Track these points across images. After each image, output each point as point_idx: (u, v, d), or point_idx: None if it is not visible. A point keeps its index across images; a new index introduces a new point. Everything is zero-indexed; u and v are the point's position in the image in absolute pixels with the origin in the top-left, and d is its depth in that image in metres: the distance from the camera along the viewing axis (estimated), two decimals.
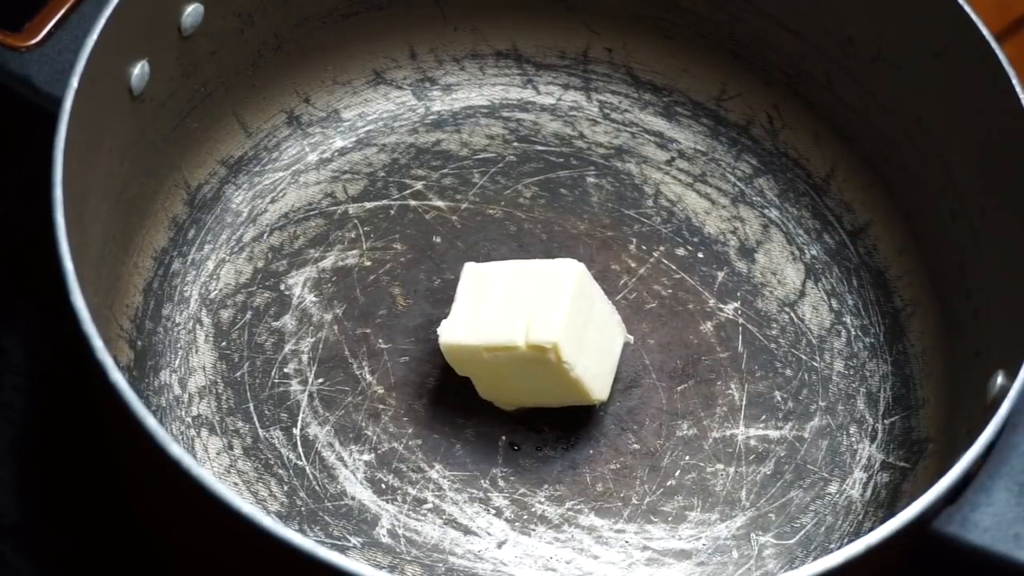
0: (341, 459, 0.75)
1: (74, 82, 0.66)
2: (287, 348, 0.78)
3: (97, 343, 0.60)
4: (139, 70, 0.72)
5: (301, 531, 0.72)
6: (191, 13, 0.74)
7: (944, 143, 0.76)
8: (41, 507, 0.77)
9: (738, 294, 0.81)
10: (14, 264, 0.83)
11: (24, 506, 0.77)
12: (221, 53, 0.78)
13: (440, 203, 0.83)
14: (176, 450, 0.59)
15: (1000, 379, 0.67)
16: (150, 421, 0.59)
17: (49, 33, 0.72)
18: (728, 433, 0.77)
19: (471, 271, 0.75)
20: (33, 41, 0.72)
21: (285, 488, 0.74)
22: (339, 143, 0.85)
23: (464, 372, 0.75)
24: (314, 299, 0.79)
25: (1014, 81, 0.70)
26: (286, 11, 0.81)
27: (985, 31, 0.72)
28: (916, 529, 0.61)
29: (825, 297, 0.82)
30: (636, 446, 0.76)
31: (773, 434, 0.77)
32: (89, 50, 0.67)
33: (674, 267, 0.82)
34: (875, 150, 0.81)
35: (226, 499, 0.58)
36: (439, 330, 0.74)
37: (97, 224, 0.71)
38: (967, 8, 0.72)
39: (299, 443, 0.75)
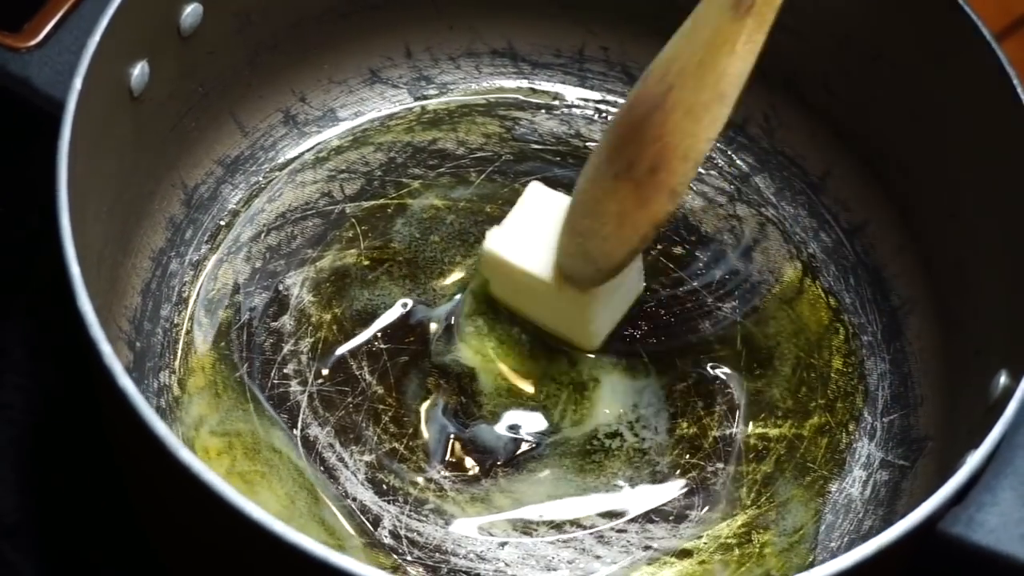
0: (342, 460, 0.75)
1: (77, 83, 0.66)
2: (286, 348, 0.78)
3: (105, 348, 0.60)
4: (139, 71, 0.72)
5: (301, 532, 0.72)
6: (190, 13, 0.74)
7: (942, 142, 0.76)
8: (41, 507, 0.77)
9: (736, 292, 0.81)
10: (14, 264, 0.82)
11: (24, 506, 0.77)
12: (219, 53, 0.78)
13: (437, 202, 0.83)
14: (185, 455, 0.58)
15: (1003, 379, 0.67)
16: (159, 426, 0.59)
17: (49, 34, 0.72)
18: (728, 432, 0.77)
19: (536, 192, 0.77)
20: (33, 42, 0.72)
21: (285, 489, 0.74)
22: (335, 142, 0.85)
23: (489, 275, 0.77)
24: (312, 299, 0.79)
25: (1014, 81, 0.70)
26: (283, 11, 0.81)
27: (985, 30, 0.72)
28: (923, 530, 0.61)
29: (823, 295, 0.82)
30: (636, 444, 0.76)
31: (772, 432, 0.77)
32: (91, 51, 0.67)
33: (672, 266, 0.82)
34: (872, 148, 0.82)
35: (236, 504, 0.58)
36: (488, 233, 0.75)
37: (97, 226, 0.71)
38: (967, 8, 0.72)
39: (299, 444, 0.75)
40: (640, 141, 0.67)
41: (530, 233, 0.75)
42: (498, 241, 0.75)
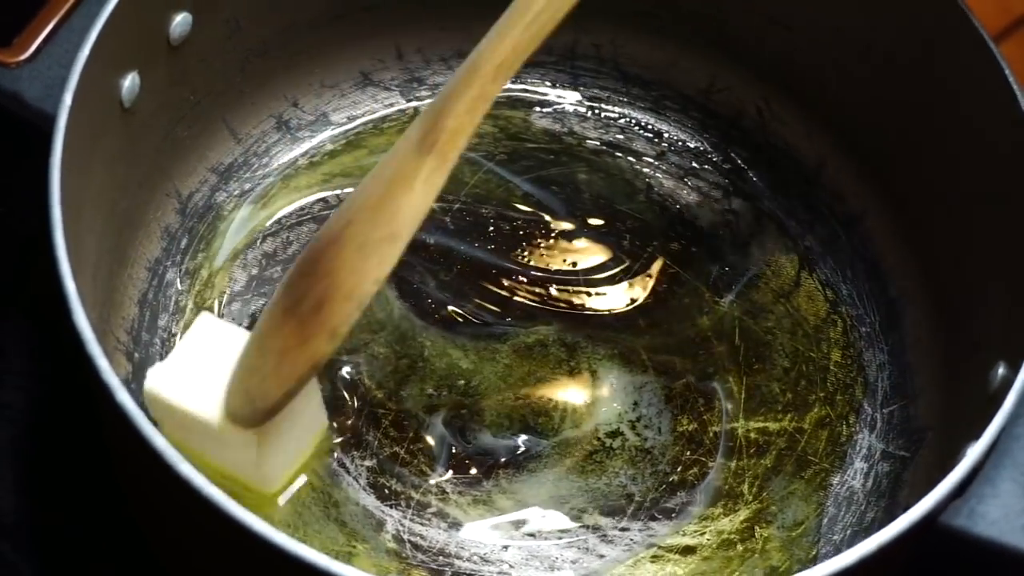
0: (343, 465, 0.75)
1: (67, 99, 0.65)
2: None
3: (102, 363, 0.60)
4: (129, 82, 0.71)
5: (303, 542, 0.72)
6: (180, 22, 0.74)
7: (937, 136, 0.76)
8: (41, 507, 0.77)
9: (733, 287, 0.81)
10: (13, 264, 0.82)
11: (24, 506, 0.77)
12: (209, 61, 0.78)
13: (432, 204, 0.83)
14: (186, 469, 0.58)
15: (1002, 370, 0.67)
16: (158, 440, 0.59)
17: (38, 48, 0.72)
18: (728, 427, 0.77)
19: (206, 323, 0.71)
20: (23, 56, 0.72)
21: (288, 496, 0.74)
22: (329, 146, 0.85)
23: (158, 417, 0.70)
24: None
25: (1011, 80, 0.70)
26: (273, 16, 0.80)
27: (983, 30, 0.71)
28: (925, 524, 0.61)
29: (820, 287, 0.82)
30: (637, 443, 0.76)
31: (773, 426, 0.77)
32: (81, 65, 0.67)
33: (668, 261, 0.82)
34: (867, 141, 0.81)
35: (238, 517, 0.58)
36: (149, 372, 0.69)
37: (92, 238, 0.70)
38: (965, 8, 0.72)
39: None
40: (311, 276, 0.64)
41: (195, 368, 0.69)
42: (160, 380, 0.69)
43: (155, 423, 0.67)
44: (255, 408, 0.66)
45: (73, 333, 0.61)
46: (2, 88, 0.72)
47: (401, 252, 0.62)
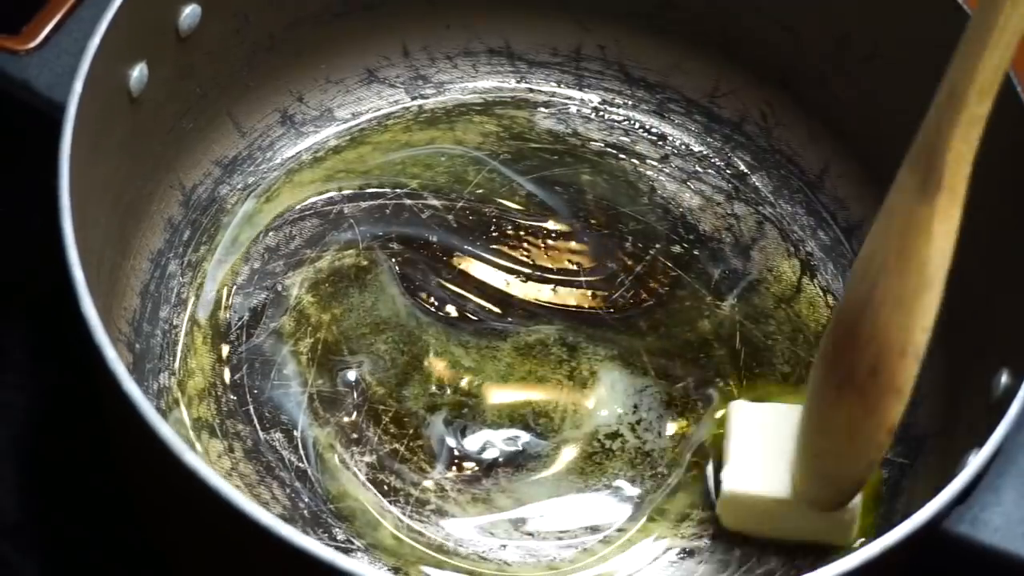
0: (343, 461, 0.75)
1: (77, 87, 0.66)
2: (286, 349, 0.78)
3: (109, 352, 0.60)
4: (138, 72, 0.71)
5: (304, 534, 0.72)
6: (189, 14, 0.74)
7: None
8: (41, 507, 0.77)
9: (734, 291, 0.82)
10: (14, 264, 0.82)
11: (25, 506, 0.76)
12: (217, 53, 0.78)
13: (435, 202, 0.83)
14: (192, 459, 0.58)
15: (1005, 378, 0.67)
16: (165, 430, 0.58)
17: (47, 36, 0.72)
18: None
19: (742, 410, 0.74)
20: (32, 44, 0.72)
21: (287, 491, 0.74)
22: (333, 142, 0.85)
23: (728, 512, 0.73)
24: (311, 299, 0.79)
25: (1013, 80, 0.70)
26: (280, 11, 0.80)
27: None
28: (928, 530, 0.61)
29: (821, 293, 0.82)
30: (637, 445, 0.76)
31: None
32: (91, 54, 0.67)
33: (670, 265, 0.82)
34: (870, 147, 0.82)
35: (244, 509, 0.58)
36: (723, 475, 0.72)
37: (97, 229, 0.70)
38: (966, 8, 0.72)
39: (300, 445, 0.75)
40: (854, 345, 0.63)
41: (760, 458, 0.72)
42: (736, 479, 0.72)
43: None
44: (841, 489, 0.67)
45: (80, 323, 0.61)
46: (11, 76, 0.72)
47: (940, 297, 0.62)
